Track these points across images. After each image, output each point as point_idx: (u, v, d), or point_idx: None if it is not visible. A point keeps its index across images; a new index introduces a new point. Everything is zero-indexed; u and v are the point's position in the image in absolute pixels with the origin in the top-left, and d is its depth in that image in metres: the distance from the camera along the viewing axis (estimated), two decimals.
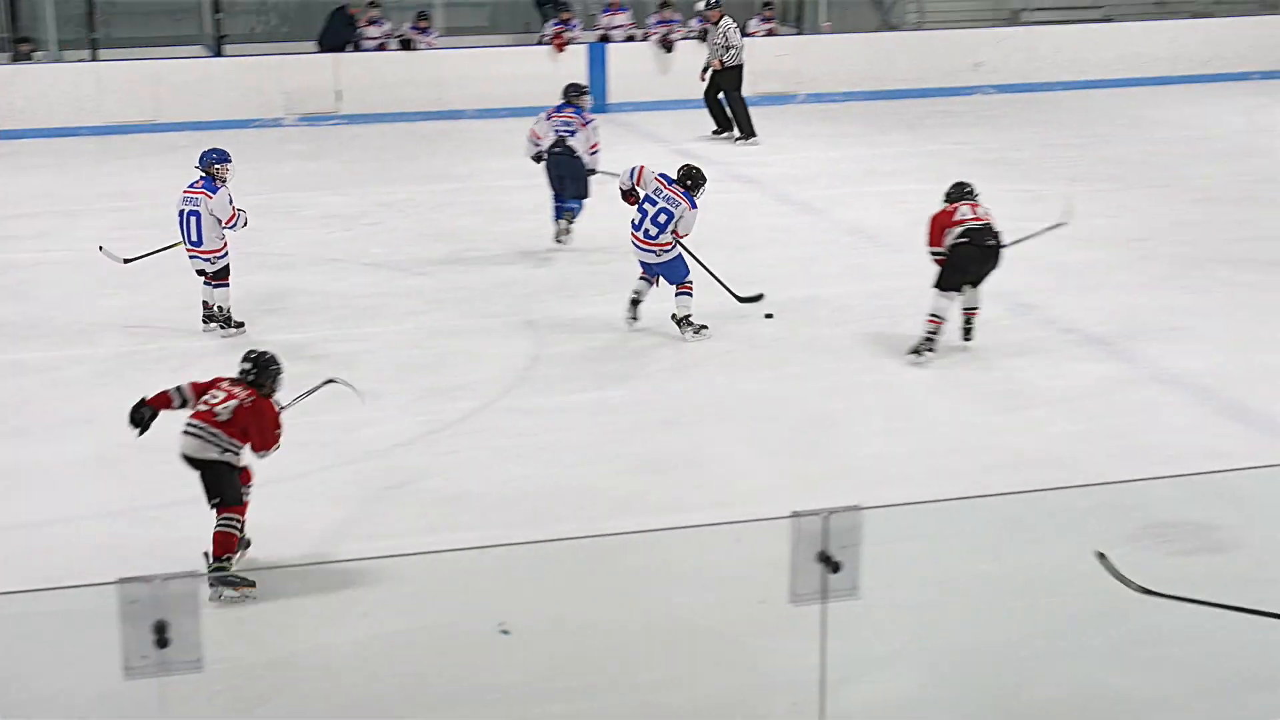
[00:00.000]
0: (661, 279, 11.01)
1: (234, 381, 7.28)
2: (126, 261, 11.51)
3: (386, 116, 20.15)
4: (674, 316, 10.97)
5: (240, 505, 7.08)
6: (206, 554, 7.01)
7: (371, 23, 21.57)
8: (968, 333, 10.62)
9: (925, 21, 24.20)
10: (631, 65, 21.20)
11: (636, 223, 10.92)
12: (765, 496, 8.11)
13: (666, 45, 21.24)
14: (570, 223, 13.34)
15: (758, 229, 14.17)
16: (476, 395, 9.83)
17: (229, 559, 7.01)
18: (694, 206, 10.87)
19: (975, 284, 10.54)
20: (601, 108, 20.02)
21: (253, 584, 6.88)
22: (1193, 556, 6.89)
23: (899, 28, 23.71)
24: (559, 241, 13.34)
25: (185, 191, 10.94)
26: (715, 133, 19.04)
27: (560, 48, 20.95)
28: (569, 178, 13.29)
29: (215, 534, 7.01)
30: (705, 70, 18.91)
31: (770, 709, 5.84)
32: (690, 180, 10.94)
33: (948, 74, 21.93)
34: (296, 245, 13.73)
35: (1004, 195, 15.08)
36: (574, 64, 20.65)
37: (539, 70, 20.44)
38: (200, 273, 11.07)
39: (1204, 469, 7.83)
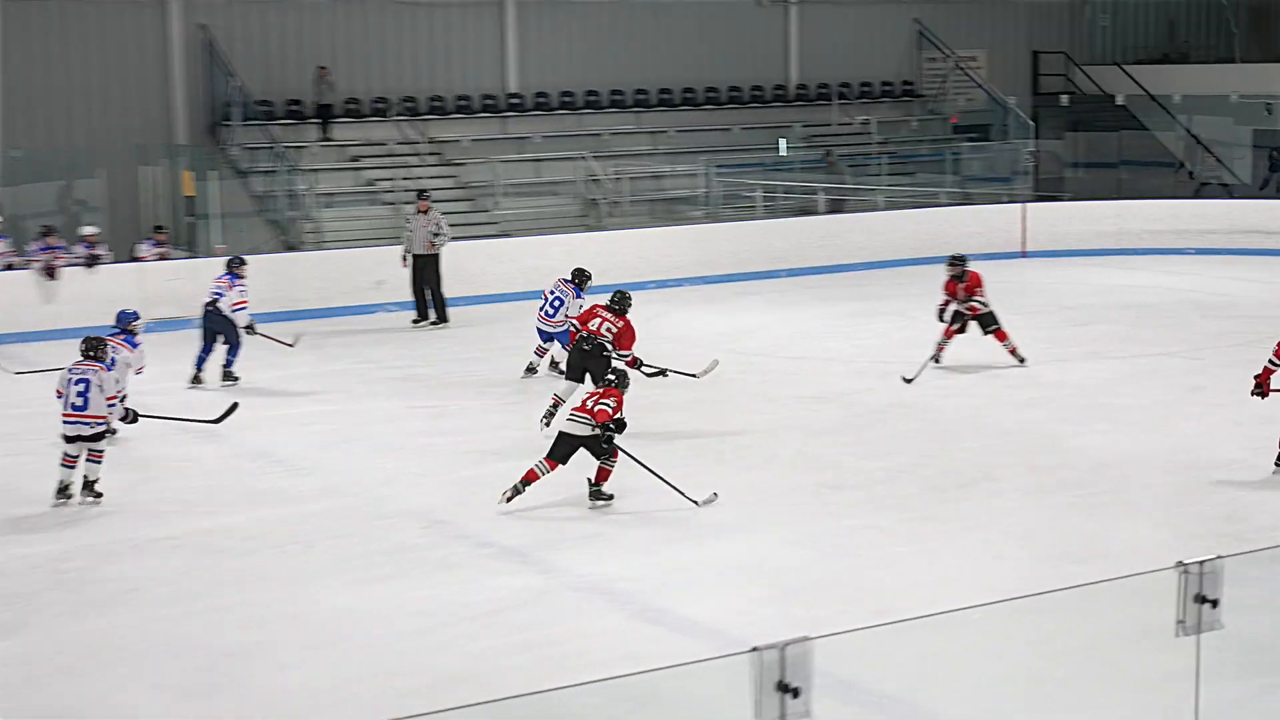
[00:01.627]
0: (555, 342, 16.58)
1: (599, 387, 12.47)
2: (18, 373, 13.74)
3: None
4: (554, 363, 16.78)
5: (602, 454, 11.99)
6: (595, 484, 12.06)
7: None
8: (549, 417, 14.29)
9: (325, 241, 24.49)
10: (11, 294, 20.51)
11: (541, 307, 16.53)
12: None
13: (50, 273, 20.68)
14: (228, 369, 17.06)
15: (157, 459, 13.88)
16: None
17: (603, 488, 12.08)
18: (579, 296, 16.28)
19: (581, 380, 14.25)
20: None
21: (611, 497, 12.07)
22: None
23: (297, 248, 23.89)
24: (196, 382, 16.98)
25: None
26: (415, 322, 21.14)
27: None
28: (219, 331, 17.01)
29: (599, 470, 12.06)
30: (405, 257, 21.17)
31: None
32: (579, 279, 16.52)
33: (349, 293, 22.22)
34: None
35: (413, 412, 15.40)
36: None
37: None
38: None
39: (623, 672, 8.07)
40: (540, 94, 29.33)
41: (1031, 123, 31.21)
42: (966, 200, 29.10)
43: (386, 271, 22.21)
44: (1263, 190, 30.99)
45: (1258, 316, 20.55)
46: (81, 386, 12.39)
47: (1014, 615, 7.74)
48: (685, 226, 26.69)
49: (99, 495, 12.45)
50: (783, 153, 30.06)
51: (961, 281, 17.17)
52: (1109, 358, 18.03)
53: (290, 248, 23.83)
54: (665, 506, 12.19)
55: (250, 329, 17.22)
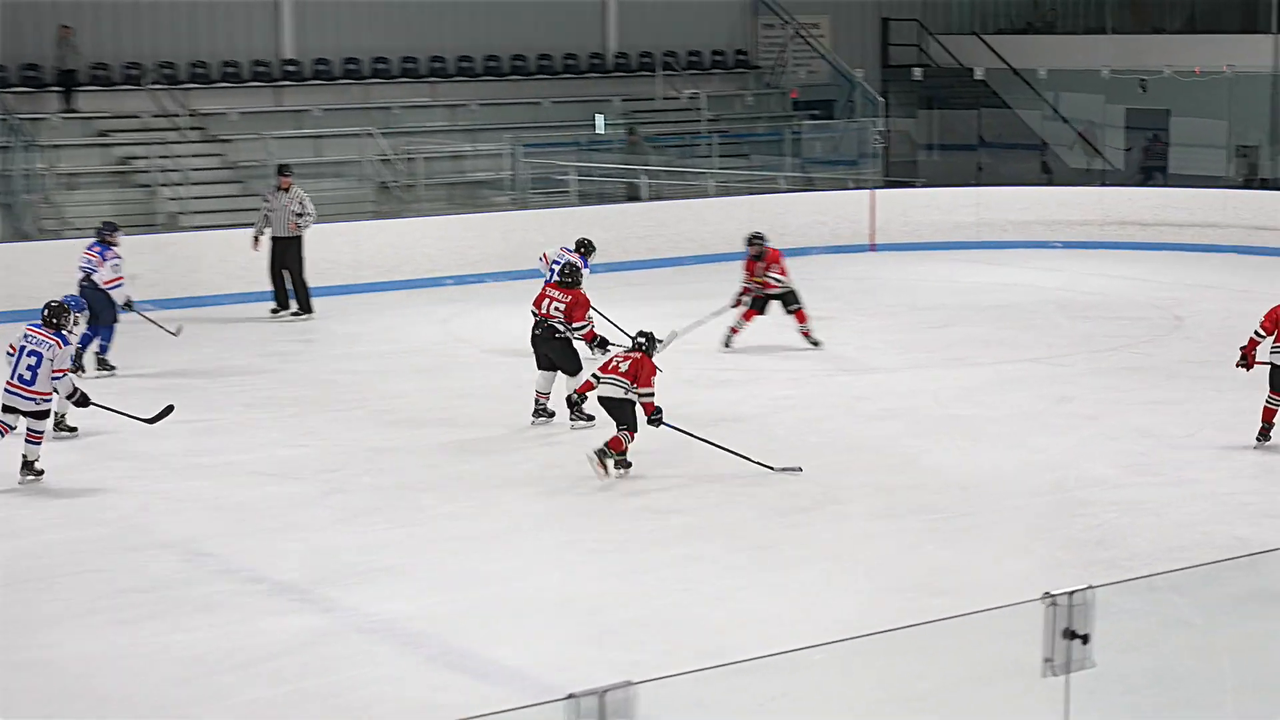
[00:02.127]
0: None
1: (629, 351, 13.59)
2: None
3: None
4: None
5: (633, 430, 13.40)
6: (607, 448, 13.31)
7: None
8: (537, 413, 15.36)
9: (67, 229, 24.05)
10: None
11: (549, 278, 16.89)
12: None
13: None
14: (102, 356, 17.52)
15: None
16: None
17: (623, 453, 13.42)
18: (585, 265, 17.39)
19: (553, 368, 15.25)
20: None
21: (629, 464, 13.49)
22: None
23: (32, 237, 23.42)
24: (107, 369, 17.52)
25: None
26: (274, 311, 21.49)
27: None
28: (95, 308, 17.05)
29: (613, 438, 13.34)
30: (256, 238, 21.39)
31: None
32: (583, 248, 18.10)
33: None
34: None
35: (178, 429, 15.16)
36: None
37: None
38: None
39: None
40: (320, 61, 29.17)
41: (881, 99, 31.64)
42: (808, 185, 29.46)
43: (140, 264, 21.87)
44: (1149, 181, 31.60)
45: (1131, 318, 21.05)
46: (33, 360, 13.34)
47: (862, 654, 7.83)
48: (489, 214, 26.72)
49: (40, 473, 13.44)
50: (600, 131, 30.12)
51: (761, 260, 18.84)
52: (968, 364, 18.34)
53: (24, 236, 23.36)
54: (466, 533, 12.16)
55: (128, 306, 17.80)
